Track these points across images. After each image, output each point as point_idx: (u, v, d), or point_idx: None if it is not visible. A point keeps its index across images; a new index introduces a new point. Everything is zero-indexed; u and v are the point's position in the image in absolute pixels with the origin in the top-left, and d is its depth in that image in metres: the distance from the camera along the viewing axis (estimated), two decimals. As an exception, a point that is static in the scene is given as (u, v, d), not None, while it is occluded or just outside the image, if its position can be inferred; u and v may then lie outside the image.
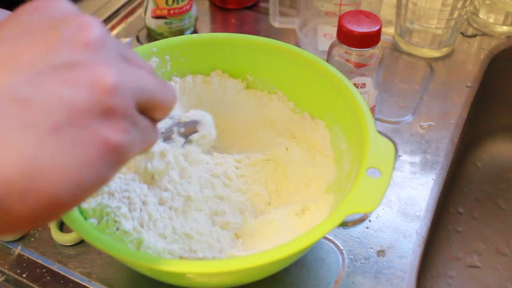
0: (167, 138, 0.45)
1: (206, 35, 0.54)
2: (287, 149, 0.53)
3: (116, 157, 0.27)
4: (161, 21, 0.70)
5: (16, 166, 0.24)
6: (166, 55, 0.52)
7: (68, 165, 0.26)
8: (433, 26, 0.67)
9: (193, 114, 0.47)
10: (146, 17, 0.71)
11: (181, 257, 0.42)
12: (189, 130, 0.46)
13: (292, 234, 0.45)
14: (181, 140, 0.46)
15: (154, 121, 0.32)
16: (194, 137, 0.46)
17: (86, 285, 0.46)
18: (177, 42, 0.52)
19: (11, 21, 0.29)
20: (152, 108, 0.31)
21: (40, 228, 0.50)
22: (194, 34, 0.54)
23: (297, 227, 0.46)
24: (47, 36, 0.27)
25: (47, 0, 0.29)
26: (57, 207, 0.26)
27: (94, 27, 0.28)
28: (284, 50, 0.51)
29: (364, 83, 0.55)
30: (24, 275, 0.47)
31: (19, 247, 0.49)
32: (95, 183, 0.27)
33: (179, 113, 0.49)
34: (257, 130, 0.55)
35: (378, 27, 0.52)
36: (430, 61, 0.70)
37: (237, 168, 0.52)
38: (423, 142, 0.60)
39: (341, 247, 0.49)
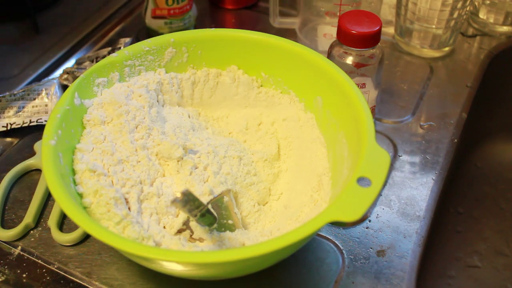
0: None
1: (224, 31, 0.54)
2: (284, 154, 0.53)
3: None
4: (161, 21, 0.70)
5: None
6: (183, 47, 0.53)
7: None
8: (433, 26, 0.67)
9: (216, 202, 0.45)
10: (146, 17, 0.71)
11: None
12: (208, 219, 0.44)
13: (275, 232, 0.46)
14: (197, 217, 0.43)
15: None
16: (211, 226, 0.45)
17: (86, 285, 0.46)
18: (195, 35, 0.53)
19: None
20: None
21: (40, 228, 0.50)
22: (212, 29, 0.54)
23: (283, 223, 0.47)
24: None
25: None
26: None
27: None
28: (300, 53, 0.51)
29: (364, 83, 0.55)
30: (24, 275, 0.47)
31: (19, 247, 0.49)
32: None
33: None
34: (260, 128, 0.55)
35: (378, 27, 0.52)
36: (430, 61, 0.70)
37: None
38: (423, 142, 0.59)
39: (341, 247, 0.49)
